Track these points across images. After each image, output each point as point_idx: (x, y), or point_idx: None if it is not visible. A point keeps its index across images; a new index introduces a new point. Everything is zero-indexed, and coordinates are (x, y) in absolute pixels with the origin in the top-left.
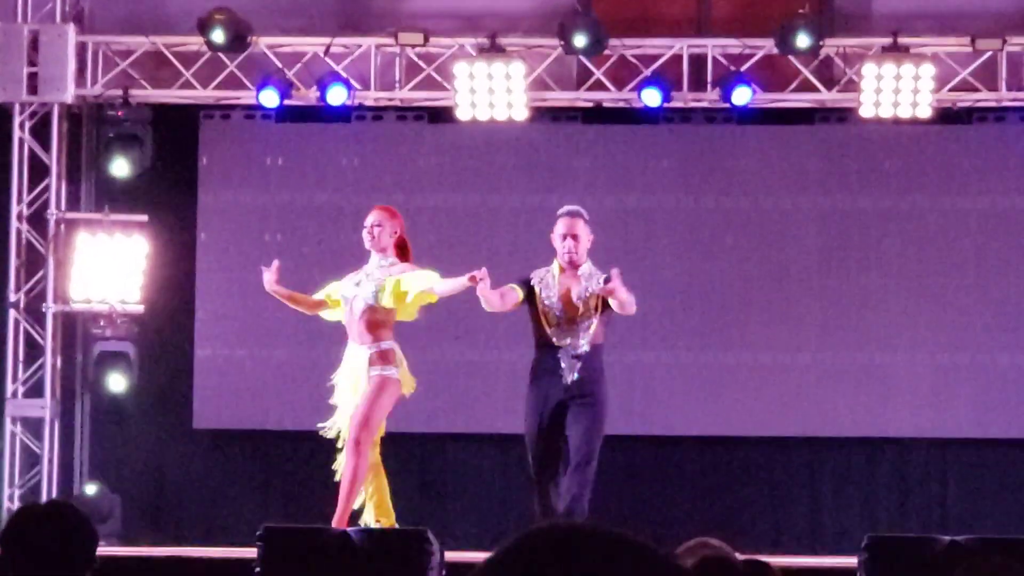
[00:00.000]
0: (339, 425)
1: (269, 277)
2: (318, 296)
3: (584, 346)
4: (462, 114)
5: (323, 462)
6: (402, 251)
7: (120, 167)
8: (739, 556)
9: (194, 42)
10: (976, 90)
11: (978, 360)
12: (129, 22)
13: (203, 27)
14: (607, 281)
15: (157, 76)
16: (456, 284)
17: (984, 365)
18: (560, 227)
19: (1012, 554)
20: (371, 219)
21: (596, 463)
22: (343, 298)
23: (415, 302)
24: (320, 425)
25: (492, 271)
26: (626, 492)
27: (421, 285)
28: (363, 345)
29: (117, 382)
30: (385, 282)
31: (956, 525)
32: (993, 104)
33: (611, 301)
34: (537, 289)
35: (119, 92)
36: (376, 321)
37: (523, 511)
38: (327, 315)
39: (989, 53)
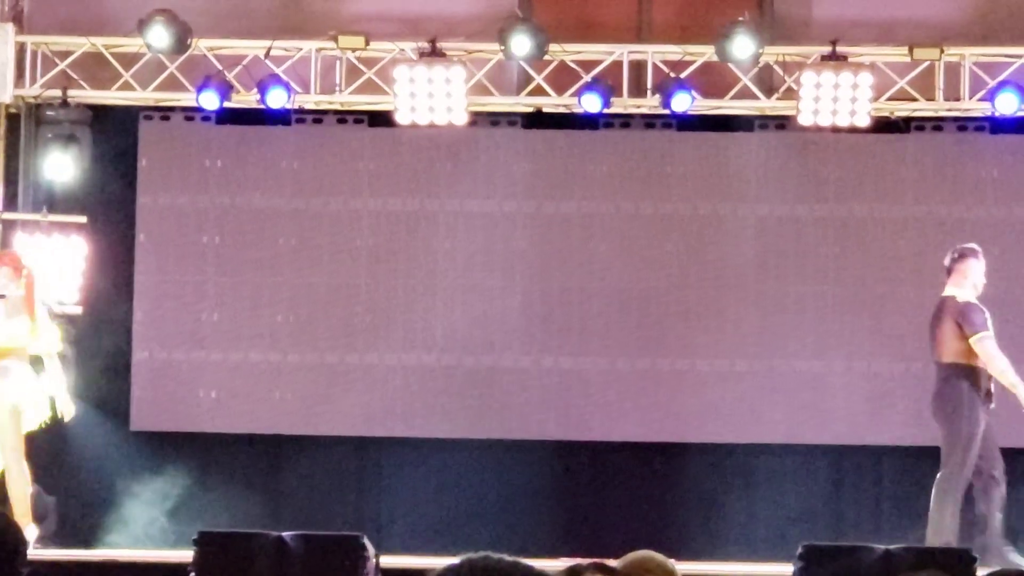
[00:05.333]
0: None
1: None
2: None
3: (938, 360)
4: (402, 118)
5: (259, 465)
6: None
7: (59, 168)
8: (676, 563)
9: (134, 43)
10: (914, 99)
11: (914, 368)
12: (69, 22)
13: (143, 28)
14: None
15: (97, 77)
16: None
17: (920, 373)
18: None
19: (944, 564)
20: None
21: (955, 478)
22: None
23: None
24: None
25: (428, 274)
26: (564, 498)
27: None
28: None
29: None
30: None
31: (891, 533)
32: (930, 114)
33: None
34: None
35: (58, 92)
36: None
37: (461, 515)
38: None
39: (927, 63)
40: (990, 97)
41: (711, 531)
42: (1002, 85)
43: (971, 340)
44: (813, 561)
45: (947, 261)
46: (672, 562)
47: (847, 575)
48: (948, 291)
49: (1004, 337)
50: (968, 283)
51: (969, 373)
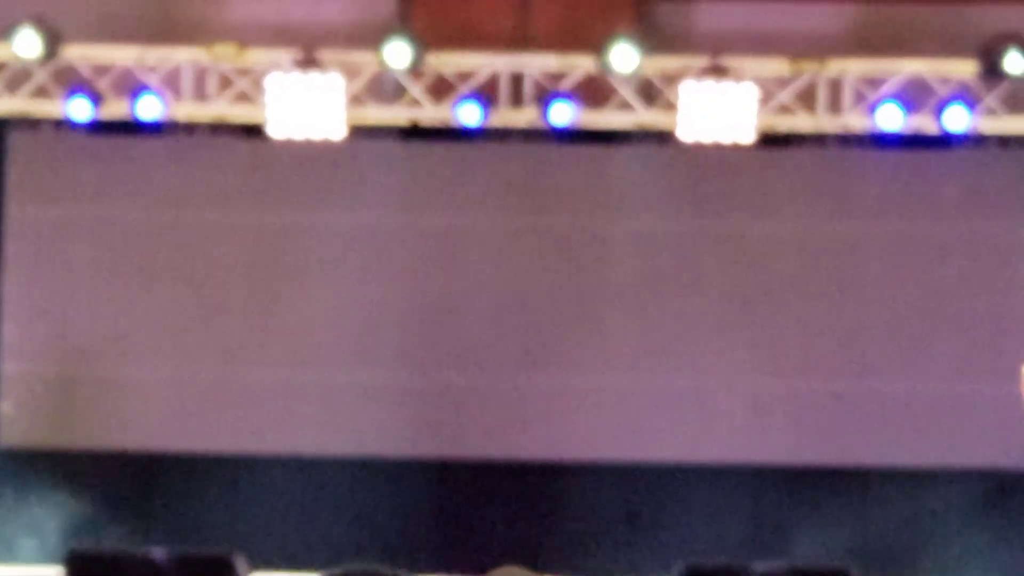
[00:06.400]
0: None
1: None
2: None
3: None
4: (275, 129)
5: (132, 482)
6: None
7: None
8: None
9: (2, 50)
10: (796, 113)
11: (794, 386)
12: None
13: (11, 35)
14: None
15: None
16: None
17: (800, 391)
18: None
19: None
20: None
21: None
22: None
23: None
24: None
25: (303, 289)
26: (440, 515)
27: None
28: None
29: None
30: None
31: (771, 551)
32: (813, 128)
33: None
34: None
35: None
36: None
37: (336, 532)
38: None
39: (809, 76)
40: (873, 111)
41: (591, 549)
42: (885, 99)
43: None
44: None
45: None
46: None
47: None
48: None
49: (896, 348)
50: None
51: None
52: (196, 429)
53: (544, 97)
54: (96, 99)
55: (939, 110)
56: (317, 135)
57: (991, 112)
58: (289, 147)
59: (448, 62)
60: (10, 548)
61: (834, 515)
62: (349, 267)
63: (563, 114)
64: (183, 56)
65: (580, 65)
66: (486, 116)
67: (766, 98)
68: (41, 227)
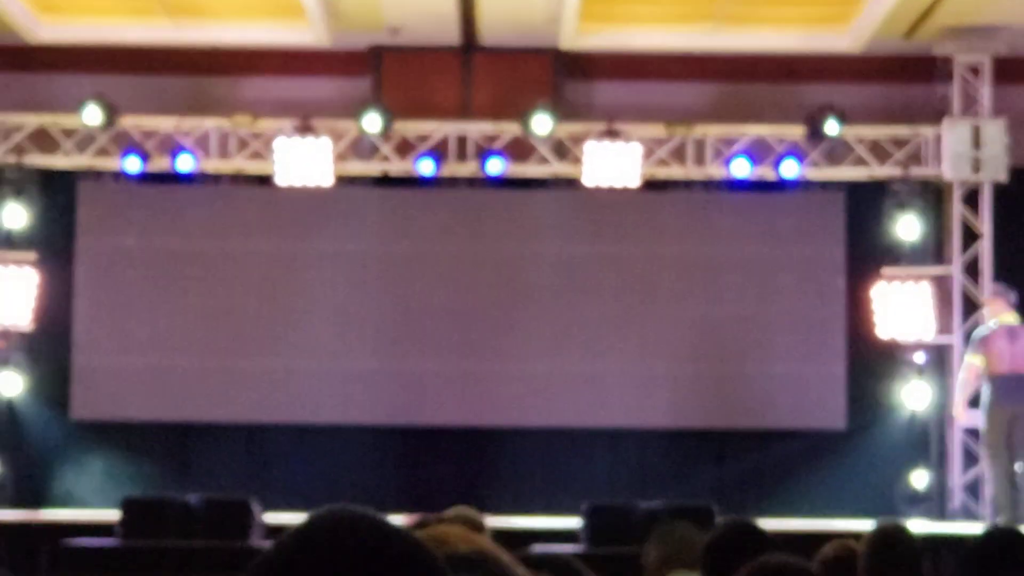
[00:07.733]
0: None
1: None
2: None
3: None
4: (281, 179)
5: (171, 445)
6: None
7: (15, 215)
8: (487, 517)
9: (73, 119)
10: (670, 165)
11: (670, 368)
12: (20, 102)
13: (80, 109)
14: None
15: (43, 146)
16: None
17: (675, 372)
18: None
19: (691, 517)
20: None
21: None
22: None
23: None
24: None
25: (302, 299)
26: (405, 468)
27: None
28: None
29: (10, 383)
30: None
31: (653, 494)
32: (683, 175)
33: None
34: None
35: (14, 158)
36: None
37: (327, 481)
38: None
39: (679, 137)
40: (728, 164)
41: (519, 493)
42: (737, 154)
43: None
44: (594, 515)
45: (1014, 298)
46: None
47: (619, 525)
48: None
49: (746, 340)
50: None
51: None
52: (220, 404)
53: (482, 154)
54: (145, 157)
55: (777, 163)
56: (312, 183)
57: (815, 164)
58: (291, 192)
59: (410, 128)
60: (78, 497)
61: (700, 466)
62: (336, 282)
63: (496, 166)
64: (211, 124)
65: (509, 129)
66: (439, 168)
67: (648, 154)
68: (103, 253)
